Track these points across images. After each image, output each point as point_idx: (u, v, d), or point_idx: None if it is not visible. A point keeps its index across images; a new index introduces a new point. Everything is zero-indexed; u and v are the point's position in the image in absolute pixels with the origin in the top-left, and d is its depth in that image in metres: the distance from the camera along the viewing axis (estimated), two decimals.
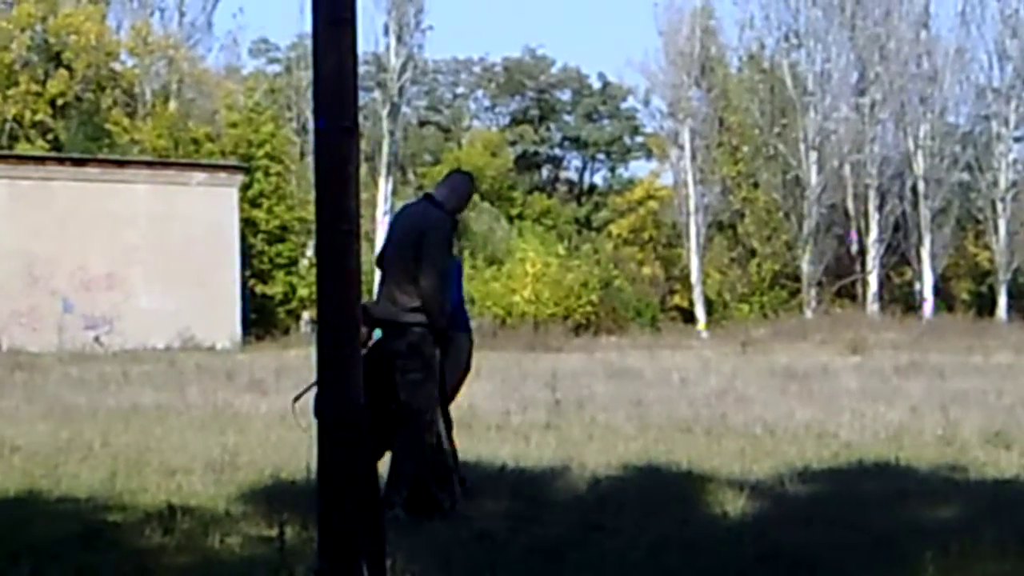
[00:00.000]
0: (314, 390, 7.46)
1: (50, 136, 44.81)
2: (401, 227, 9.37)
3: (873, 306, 49.14)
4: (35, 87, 43.95)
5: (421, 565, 7.28)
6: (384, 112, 47.39)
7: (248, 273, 38.78)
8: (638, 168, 68.70)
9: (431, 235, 9.04)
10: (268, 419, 14.80)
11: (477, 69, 68.04)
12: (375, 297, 9.38)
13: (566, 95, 67.21)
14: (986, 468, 11.45)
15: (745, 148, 51.88)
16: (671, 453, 12.15)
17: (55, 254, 35.08)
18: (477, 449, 11.94)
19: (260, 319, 41.75)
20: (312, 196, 6.81)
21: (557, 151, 67.75)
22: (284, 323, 43.24)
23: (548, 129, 66.41)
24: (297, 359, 23.45)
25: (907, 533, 8.29)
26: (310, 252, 43.41)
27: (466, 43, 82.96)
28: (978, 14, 50.53)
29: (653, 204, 56.44)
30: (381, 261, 9.37)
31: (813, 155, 49.76)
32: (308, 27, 6.48)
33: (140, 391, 19.51)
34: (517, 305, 44.63)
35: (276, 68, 57.65)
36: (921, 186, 49.68)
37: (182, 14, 49.09)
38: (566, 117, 67.02)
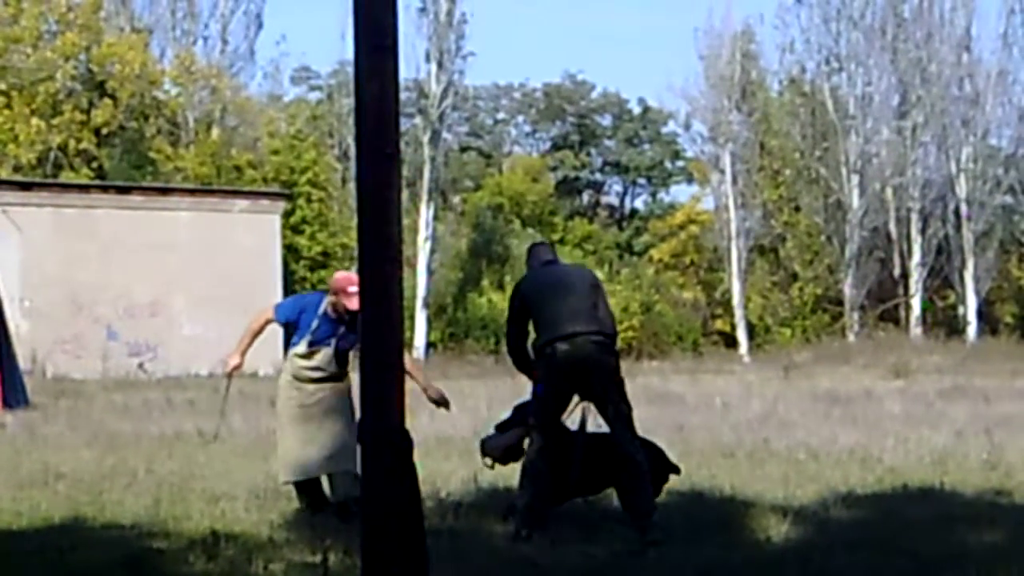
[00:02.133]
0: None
1: (94, 164, 45.11)
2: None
3: (916, 330, 48.86)
4: (80, 116, 44.24)
5: None
6: (425, 138, 47.46)
7: None
8: (679, 192, 68.58)
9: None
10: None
11: (517, 95, 68.16)
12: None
13: (606, 120, 67.23)
14: None
15: (786, 172, 51.71)
16: (714, 478, 12.12)
17: (99, 281, 35.29)
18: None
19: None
20: (354, 222, 6.84)
21: (598, 176, 67.74)
22: None
23: (589, 154, 66.42)
24: None
25: (952, 558, 8.25)
26: None
27: (506, 69, 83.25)
28: (1020, 36, 50.29)
29: (694, 228, 56.29)
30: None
31: (855, 178, 49.57)
32: (350, 54, 6.53)
33: (184, 418, 19.58)
34: None
35: (318, 95, 57.88)
36: (964, 209, 49.43)
37: (225, 42, 49.36)
38: (607, 142, 67.02)
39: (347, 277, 10.57)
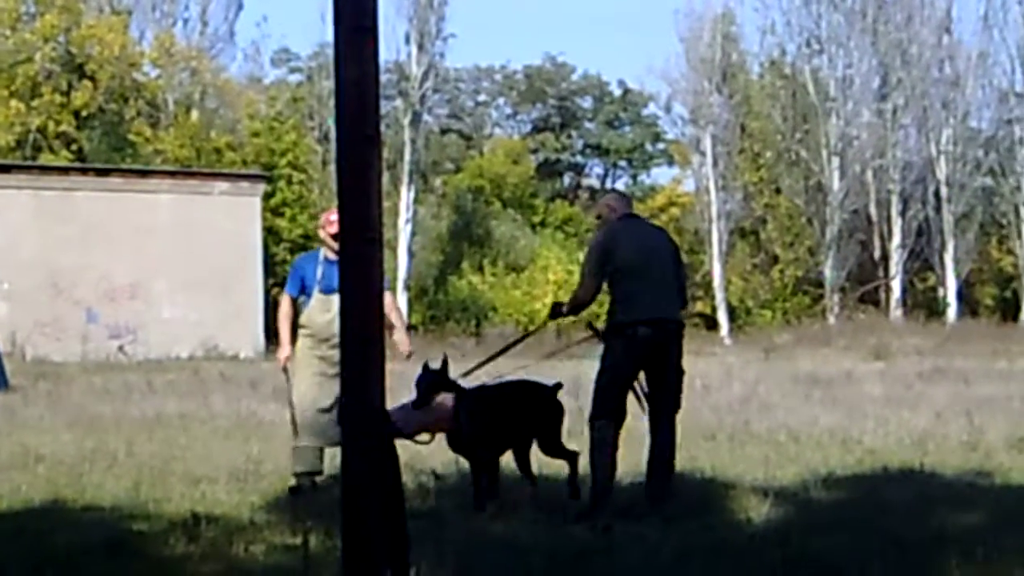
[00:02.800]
0: None
1: (74, 147, 44.97)
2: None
3: (896, 312, 49.00)
4: (59, 98, 44.10)
5: (445, 572, 7.29)
6: (406, 120, 47.43)
7: (271, 282, 38.82)
8: (660, 175, 68.80)
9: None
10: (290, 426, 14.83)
11: (498, 77, 68.08)
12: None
13: (587, 102, 67.21)
14: (1011, 474, 11.41)
15: (767, 154, 51.80)
16: (695, 460, 12.13)
17: (79, 264, 35.21)
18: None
19: None
20: (335, 205, 6.83)
21: (579, 158, 67.73)
22: None
23: (569, 136, 66.40)
24: None
25: (932, 539, 8.27)
26: None
27: (487, 51, 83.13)
28: (1001, 18, 50.49)
29: (675, 211, 56.36)
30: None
31: (835, 161, 49.66)
32: (330, 36, 6.51)
33: (164, 400, 19.55)
34: (539, 312, 44.60)
35: (298, 77, 57.78)
36: (944, 191, 49.55)
37: (204, 24, 49.27)
38: (587, 124, 67.00)
39: (328, 211, 10.85)
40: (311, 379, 10.88)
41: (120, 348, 35.06)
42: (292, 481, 10.85)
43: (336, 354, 10.62)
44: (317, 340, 10.87)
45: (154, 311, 36.16)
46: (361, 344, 6.37)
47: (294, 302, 11.15)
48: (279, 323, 11.16)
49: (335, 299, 10.64)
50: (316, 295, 10.86)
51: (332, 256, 10.58)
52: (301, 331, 11.05)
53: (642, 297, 9.71)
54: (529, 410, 10.11)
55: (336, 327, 10.78)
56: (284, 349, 11.17)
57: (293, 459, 11.01)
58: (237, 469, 11.50)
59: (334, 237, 10.18)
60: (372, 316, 6.40)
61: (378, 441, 6.29)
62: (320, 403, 10.76)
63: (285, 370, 11.34)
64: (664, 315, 9.83)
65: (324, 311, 10.72)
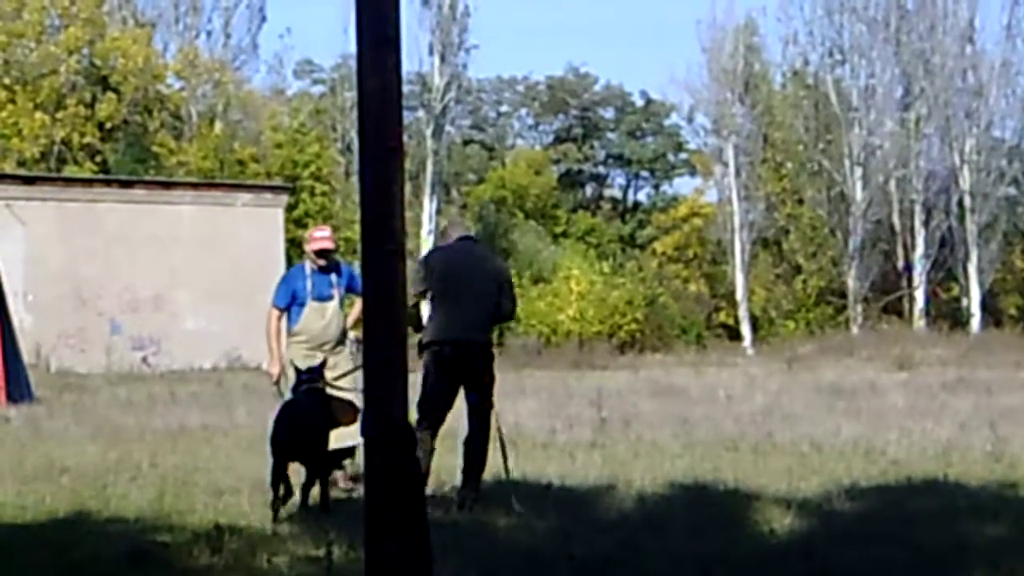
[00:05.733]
0: None
1: (98, 159, 45.13)
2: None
3: (920, 322, 48.83)
4: (83, 110, 44.27)
5: None
6: (428, 131, 47.48)
7: None
8: (682, 185, 68.54)
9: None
10: None
11: (520, 88, 68.11)
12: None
13: (609, 113, 67.17)
14: None
15: (789, 164, 51.67)
16: (717, 471, 12.12)
17: (102, 276, 35.31)
18: (523, 467, 11.94)
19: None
20: (357, 216, 6.84)
21: (601, 169, 67.68)
22: None
23: (592, 147, 66.37)
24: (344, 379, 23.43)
25: (956, 550, 8.25)
26: (356, 272, 43.52)
27: (509, 62, 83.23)
28: (1023, 28, 50.30)
29: (697, 221, 56.27)
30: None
31: (858, 171, 49.54)
32: (353, 48, 6.52)
33: (187, 412, 19.59)
34: (562, 323, 44.61)
35: (321, 89, 57.86)
36: (967, 201, 49.39)
37: (228, 36, 49.39)
38: (610, 135, 66.97)
39: (314, 228, 12.28)
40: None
41: (144, 359, 35.14)
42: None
43: (331, 358, 11.27)
44: (311, 347, 11.43)
45: (177, 322, 36.24)
46: (384, 358, 6.37)
47: (288, 309, 11.61)
48: (272, 337, 11.57)
49: (329, 305, 11.50)
50: (310, 304, 11.51)
51: (316, 266, 11.57)
52: (294, 340, 11.55)
53: (447, 319, 10.58)
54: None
55: (332, 331, 11.48)
56: (277, 364, 11.55)
57: None
58: (260, 481, 11.49)
59: (318, 254, 11.53)
60: (394, 330, 6.41)
61: (402, 454, 6.30)
62: None
63: (277, 383, 11.63)
64: (466, 336, 10.58)
65: (319, 318, 11.51)
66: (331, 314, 11.62)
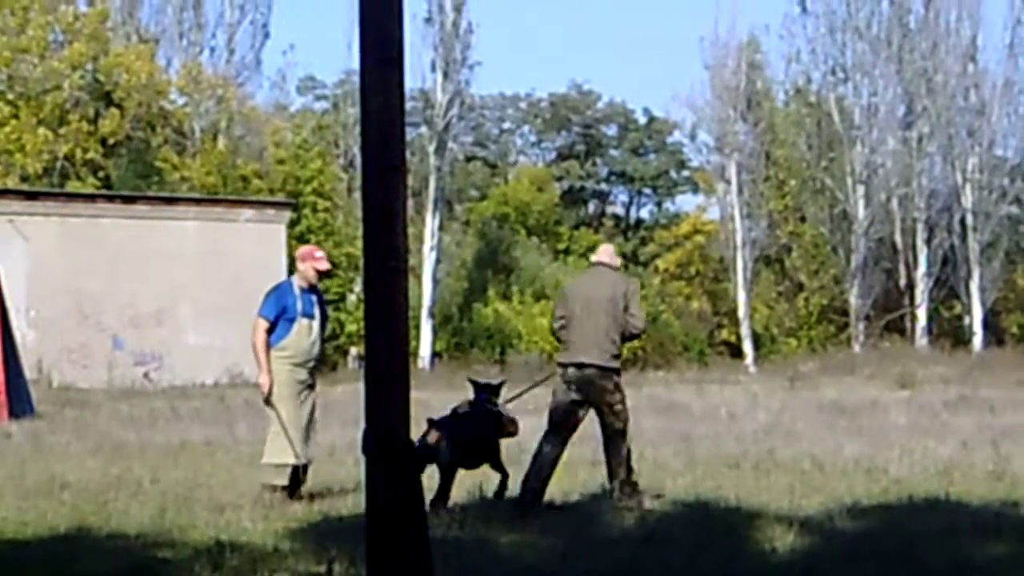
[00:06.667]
0: None
1: (101, 174, 45.16)
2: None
3: (922, 340, 48.80)
4: (86, 126, 44.31)
5: None
6: (431, 148, 47.49)
7: None
8: (684, 202, 68.60)
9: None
10: (317, 455, 14.87)
11: (523, 104, 68.19)
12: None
13: (612, 130, 67.24)
14: None
15: (792, 182, 51.70)
16: (719, 488, 12.11)
17: (105, 291, 35.33)
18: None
19: (320, 358, 41.76)
20: (360, 232, 6.85)
21: (603, 186, 67.74)
22: (332, 359, 43.33)
23: (594, 164, 66.42)
24: (345, 395, 23.47)
25: (958, 570, 8.24)
26: (358, 288, 43.53)
27: (512, 78, 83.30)
28: None
29: (700, 238, 56.29)
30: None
31: (860, 189, 49.55)
32: (356, 64, 6.54)
33: (189, 427, 19.59)
34: None
35: (324, 105, 57.95)
36: (970, 219, 49.40)
37: (231, 52, 49.44)
38: (612, 152, 67.02)
39: (310, 247, 12.55)
40: (295, 402, 11.75)
41: (145, 375, 35.15)
42: (279, 487, 11.57)
43: (307, 376, 11.79)
44: (296, 364, 11.79)
45: (180, 338, 36.26)
46: (386, 376, 6.37)
47: (275, 322, 11.87)
48: (261, 349, 11.78)
49: (314, 323, 11.87)
50: (300, 320, 11.81)
51: (304, 284, 11.99)
52: (280, 356, 11.79)
53: (571, 343, 11.50)
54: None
55: (316, 349, 11.88)
56: (267, 377, 11.77)
57: (278, 475, 11.68)
58: (262, 496, 11.52)
59: (321, 274, 12.18)
60: (397, 346, 6.42)
61: (403, 471, 6.30)
62: (303, 425, 11.78)
63: (269, 396, 11.77)
64: (586, 359, 11.40)
65: (307, 335, 11.84)
66: (316, 332, 11.99)
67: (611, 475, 11.51)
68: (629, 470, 11.51)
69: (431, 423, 11.04)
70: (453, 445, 10.93)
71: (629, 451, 11.58)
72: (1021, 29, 50.29)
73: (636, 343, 44.72)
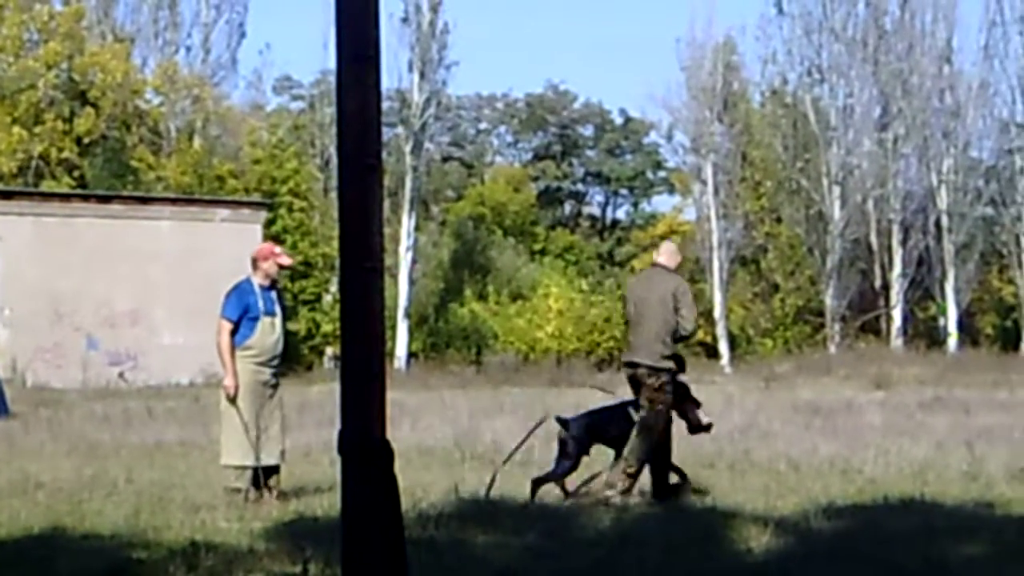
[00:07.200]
0: None
1: (76, 173, 45.00)
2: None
3: (897, 341, 48.93)
4: (61, 125, 44.14)
5: None
6: (407, 148, 47.45)
7: None
8: (661, 203, 68.72)
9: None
10: (291, 455, 14.80)
11: (500, 105, 68.21)
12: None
13: (588, 130, 67.30)
14: (1012, 504, 11.40)
15: (768, 183, 51.81)
16: (695, 489, 12.11)
17: (80, 291, 35.20)
18: (501, 484, 11.92)
19: (284, 355, 41.71)
20: (336, 232, 6.84)
21: (580, 186, 67.81)
22: (307, 359, 43.27)
23: (571, 164, 66.48)
24: (320, 395, 23.44)
25: (933, 570, 8.26)
26: (334, 288, 43.45)
27: (489, 79, 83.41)
28: (1001, 48, 50.46)
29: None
30: None
31: (836, 190, 49.66)
32: (332, 64, 6.52)
33: (164, 427, 19.53)
34: (540, 340, 44.60)
35: (300, 105, 57.88)
36: (945, 221, 49.56)
37: (207, 52, 49.31)
38: (588, 152, 67.09)
39: (268, 245, 12.77)
40: (256, 404, 11.72)
41: (120, 375, 35.02)
42: (241, 490, 11.56)
43: (271, 374, 11.76)
44: (261, 363, 11.81)
45: (155, 338, 36.14)
46: (362, 376, 6.36)
47: (239, 322, 11.88)
48: (226, 351, 11.76)
49: (277, 320, 11.87)
50: (263, 319, 11.80)
51: (265, 282, 11.97)
52: (245, 356, 11.77)
53: (627, 343, 12.12)
54: None
55: (280, 346, 11.86)
56: (233, 379, 11.74)
57: (238, 478, 11.66)
58: (235, 497, 11.49)
59: (281, 267, 12.16)
60: (373, 347, 6.40)
61: (378, 471, 6.29)
62: (263, 427, 11.76)
63: (234, 398, 11.76)
64: (636, 359, 11.84)
65: (271, 333, 11.84)
66: (279, 329, 11.98)
67: (616, 460, 11.75)
68: (637, 472, 11.67)
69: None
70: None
71: (650, 456, 11.72)
72: (996, 31, 50.51)
73: (611, 342, 44.86)
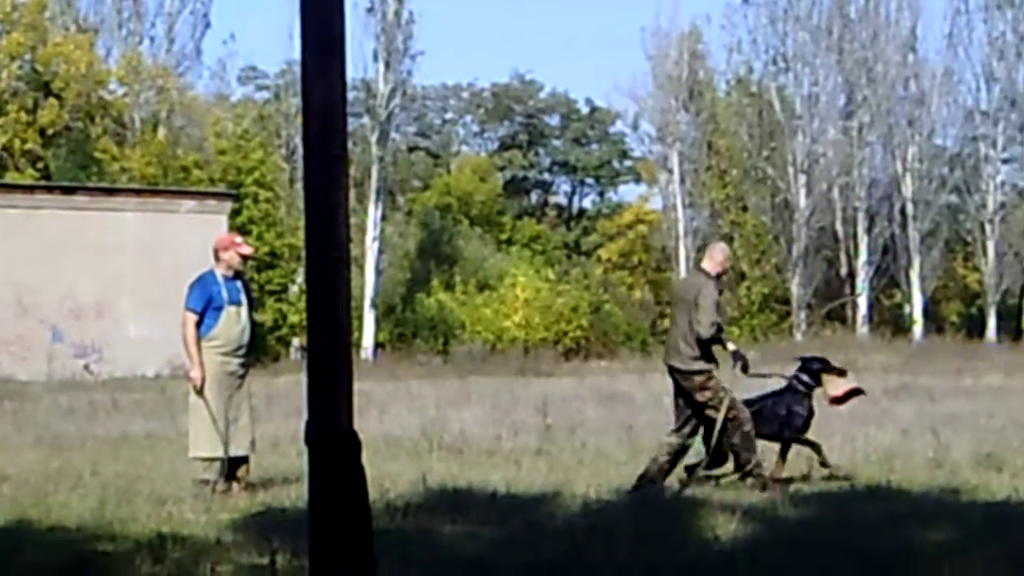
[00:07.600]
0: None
1: (39, 165, 44.76)
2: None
3: (863, 329, 49.15)
4: (25, 116, 43.90)
5: None
6: (373, 138, 47.37)
7: None
8: (627, 192, 68.88)
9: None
10: (258, 446, 14.79)
11: (466, 94, 68.16)
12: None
13: (555, 120, 67.32)
14: (977, 490, 11.47)
15: (734, 171, 51.95)
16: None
17: (44, 282, 35.01)
18: (468, 474, 11.94)
19: (251, 345, 41.61)
20: (302, 223, 6.82)
21: (546, 176, 67.84)
22: (274, 350, 43.15)
23: (537, 154, 66.50)
24: (287, 385, 23.41)
25: (899, 556, 8.29)
26: (300, 279, 43.33)
27: (455, 69, 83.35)
28: (965, 36, 50.73)
29: (642, 228, 56.47)
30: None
31: (802, 178, 49.83)
32: (297, 54, 6.49)
33: (130, 419, 19.47)
34: (507, 330, 44.59)
35: (265, 95, 57.67)
36: (910, 208, 49.78)
37: (171, 42, 49.08)
38: (555, 142, 67.12)
39: (228, 235, 13.17)
40: (223, 395, 11.73)
41: (86, 367, 34.87)
42: (210, 481, 11.57)
43: (239, 365, 11.72)
44: (226, 353, 11.79)
45: (120, 330, 35.98)
46: (328, 367, 6.33)
47: (203, 313, 11.89)
48: (192, 343, 11.78)
49: (242, 310, 11.86)
50: (228, 309, 11.80)
51: (228, 272, 11.93)
52: (211, 347, 11.78)
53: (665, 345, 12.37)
54: None
55: (246, 336, 11.84)
56: (199, 371, 11.74)
57: (206, 469, 11.69)
58: (203, 489, 11.45)
59: (243, 258, 12.14)
60: (339, 338, 6.38)
61: (345, 462, 6.27)
62: (230, 418, 11.77)
63: (201, 389, 11.73)
64: (670, 362, 12.01)
65: (236, 323, 11.83)
66: (244, 319, 11.96)
67: (733, 462, 11.93)
68: (757, 466, 11.81)
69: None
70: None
71: (754, 446, 11.96)
72: (960, 19, 50.76)
73: (579, 332, 44.93)
